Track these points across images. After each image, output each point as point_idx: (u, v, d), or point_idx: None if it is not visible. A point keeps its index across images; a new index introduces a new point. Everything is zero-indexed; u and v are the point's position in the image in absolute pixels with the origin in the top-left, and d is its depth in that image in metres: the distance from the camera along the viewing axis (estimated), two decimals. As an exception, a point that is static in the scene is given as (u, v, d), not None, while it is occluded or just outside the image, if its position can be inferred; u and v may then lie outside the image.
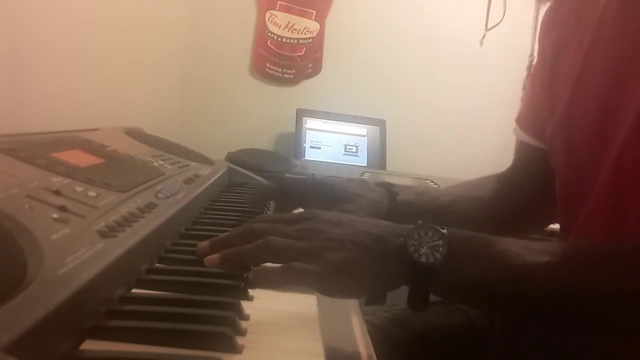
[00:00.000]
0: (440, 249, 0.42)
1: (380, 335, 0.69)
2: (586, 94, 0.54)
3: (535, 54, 1.66)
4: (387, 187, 0.72)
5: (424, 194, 0.75)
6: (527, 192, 0.73)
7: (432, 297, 0.44)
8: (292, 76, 1.70)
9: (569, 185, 0.60)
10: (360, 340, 0.42)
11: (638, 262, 0.41)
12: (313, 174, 1.34)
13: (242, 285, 0.44)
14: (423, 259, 0.42)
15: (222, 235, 0.48)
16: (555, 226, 0.71)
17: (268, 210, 0.75)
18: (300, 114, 1.62)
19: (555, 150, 0.62)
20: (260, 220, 0.49)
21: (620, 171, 0.49)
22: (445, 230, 0.43)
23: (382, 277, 0.44)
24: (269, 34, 1.65)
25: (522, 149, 0.75)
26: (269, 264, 0.46)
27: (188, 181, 0.71)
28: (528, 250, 0.43)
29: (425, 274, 0.42)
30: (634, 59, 0.48)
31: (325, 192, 0.67)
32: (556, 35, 0.63)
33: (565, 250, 0.45)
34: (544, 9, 0.69)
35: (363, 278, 0.43)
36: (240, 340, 0.36)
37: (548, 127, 0.63)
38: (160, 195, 0.58)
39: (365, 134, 1.66)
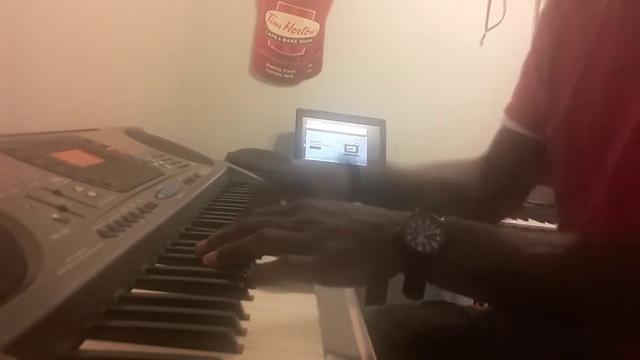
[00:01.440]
0: (438, 238, 0.42)
1: (380, 335, 0.69)
2: (589, 93, 0.54)
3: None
4: (350, 165, 0.71)
5: (392, 172, 0.74)
6: (504, 178, 0.72)
7: (432, 297, 0.44)
8: (292, 76, 1.70)
9: (570, 184, 0.60)
10: (360, 340, 0.42)
11: (638, 256, 0.41)
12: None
13: (242, 285, 0.44)
14: (420, 248, 0.41)
15: (218, 232, 0.48)
16: (552, 226, 0.71)
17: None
18: (300, 114, 1.62)
19: (556, 149, 0.62)
20: (255, 214, 0.49)
21: (623, 171, 0.49)
22: (443, 219, 0.43)
23: (379, 266, 0.43)
24: (269, 34, 1.65)
25: (506, 135, 0.73)
26: (266, 261, 0.46)
27: (188, 181, 0.71)
28: (526, 241, 0.43)
29: (422, 262, 0.42)
30: (638, 59, 0.48)
31: (294, 184, 0.67)
32: (557, 26, 0.62)
33: (564, 242, 0.45)
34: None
35: (360, 267, 0.43)
36: (240, 340, 0.36)
37: (548, 124, 0.62)
38: (160, 195, 0.58)
39: (365, 134, 1.67)
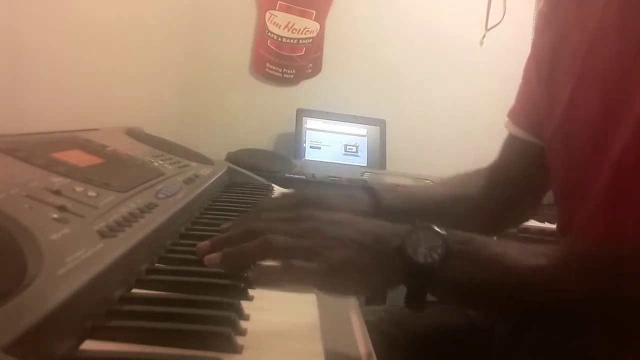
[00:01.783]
0: (439, 250, 0.42)
1: (380, 335, 0.69)
2: (587, 94, 0.54)
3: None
4: (372, 192, 0.70)
5: (410, 199, 0.73)
6: (513, 187, 0.72)
7: (432, 297, 0.44)
8: (292, 76, 1.70)
9: (569, 185, 0.60)
10: (360, 340, 0.42)
11: (637, 265, 0.41)
12: (313, 174, 1.34)
13: (242, 285, 0.44)
14: (421, 259, 0.42)
15: (222, 234, 0.48)
16: (552, 226, 0.71)
17: None
18: (300, 114, 1.62)
19: (555, 150, 0.62)
20: (260, 219, 0.49)
21: (622, 171, 0.49)
22: (444, 232, 0.43)
23: (381, 277, 0.44)
24: (269, 34, 1.65)
25: (513, 143, 0.73)
26: (268, 264, 0.46)
27: (188, 181, 0.71)
28: (526, 253, 0.43)
29: (423, 273, 0.42)
30: (636, 59, 0.48)
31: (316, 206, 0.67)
32: (555, 30, 0.62)
33: (563, 253, 0.45)
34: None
35: (362, 277, 0.43)
36: (240, 340, 0.36)
37: (546, 125, 0.62)
38: (160, 195, 0.58)
39: (365, 134, 1.66)
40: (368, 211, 0.67)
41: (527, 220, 0.76)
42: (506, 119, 0.74)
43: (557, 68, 0.61)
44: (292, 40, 1.67)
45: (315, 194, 0.67)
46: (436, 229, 0.43)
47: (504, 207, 0.73)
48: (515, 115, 0.72)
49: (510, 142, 0.73)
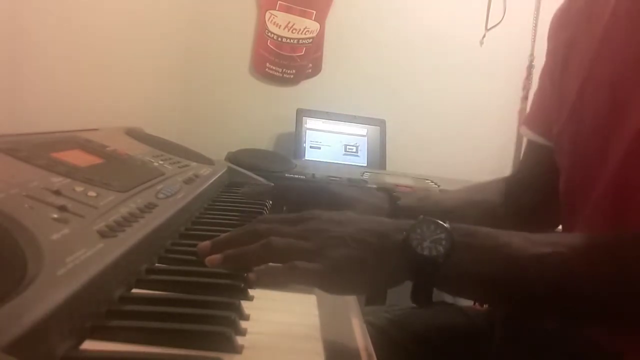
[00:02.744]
0: (443, 242, 0.42)
1: (380, 336, 0.69)
2: (595, 92, 0.54)
3: (536, 54, 1.66)
4: (389, 192, 0.71)
5: (425, 199, 0.74)
6: (537, 191, 0.72)
7: (433, 297, 0.44)
8: (292, 76, 1.70)
9: (574, 183, 0.60)
10: (360, 340, 0.42)
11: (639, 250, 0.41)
12: (313, 174, 1.34)
13: (243, 285, 0.44)
14: (426, 252, 0.42)
15: (223, 235, 0.48)
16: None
17: (267, 208, 0.75)
18: (300, 114, 1.62)
19: (562, 148, 0.62)
20: (262, 221, 0.49)
21: (627, 167, 0.49)
22: (447, 224, 0.43)
23: (386, 273, 0.43)
24: (269, 34, 1.65)
25: (531, 149, 0.74)
26: (270, 264, 0.46)
27: (188, 181, 0.71)
28: (532, 242, 0.43)
29: (429, 267, 0.42)
30: None
31: (324, 198, 0.67)
32: (567, 35, 0.63)
33: (568, 242, 0.45)
34: (545, 8, 0.69)
35: (366, 274, 0.43)
36: (240, 340, 0.36)
37: (555, 124, 0.63)
38: (160, 195, 0.58)
39: (365, 134, 1.66)
40: (385, 209, 0.67)
41: (550, 228, 0.76)
42: (521, 126, 0.75)
43: (567, 69, 0.61)
44: (292, 40, 1.67)
45: (333, 190, 0.67)
46: (440, 222, 0.43)
47: (526, 213, 0.73)
48: (530, 121, 0.73)
49: (528, 149, 0.75)
